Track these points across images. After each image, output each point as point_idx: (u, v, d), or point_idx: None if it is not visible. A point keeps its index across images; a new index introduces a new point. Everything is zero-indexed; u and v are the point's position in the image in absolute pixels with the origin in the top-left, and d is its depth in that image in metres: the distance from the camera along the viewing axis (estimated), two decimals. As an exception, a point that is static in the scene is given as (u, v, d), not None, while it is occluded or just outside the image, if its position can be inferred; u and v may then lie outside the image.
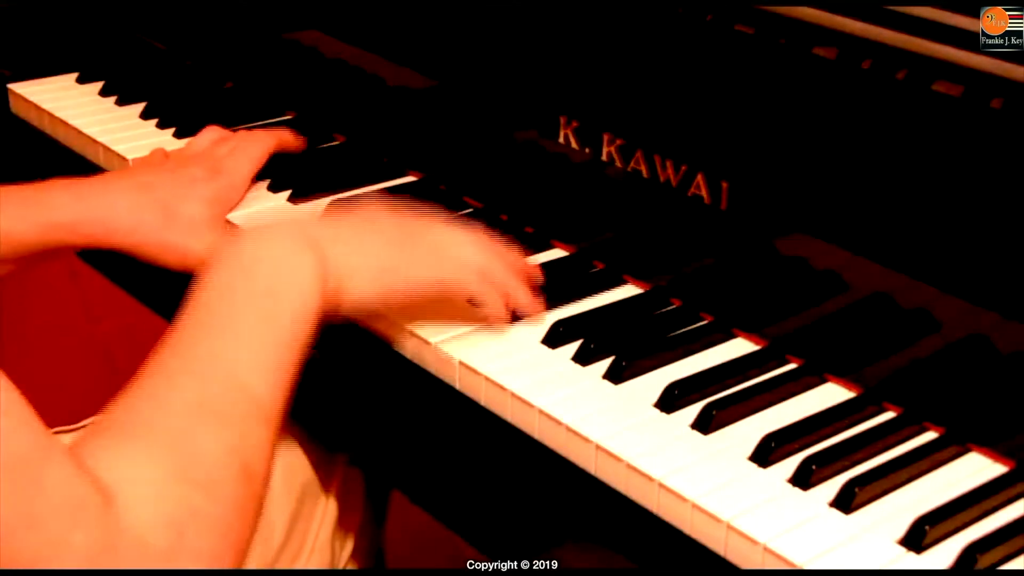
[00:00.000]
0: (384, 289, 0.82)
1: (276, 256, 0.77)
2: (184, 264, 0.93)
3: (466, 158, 1.05)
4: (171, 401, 0.68)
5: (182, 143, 1.13)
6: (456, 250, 0.85)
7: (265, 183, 1.06)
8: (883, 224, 0.79)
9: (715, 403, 0.78)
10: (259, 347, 0.73)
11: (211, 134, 1.06)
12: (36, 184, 0.94)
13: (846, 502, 0.71)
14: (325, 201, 1.03)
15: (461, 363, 0.83)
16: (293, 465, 0.97)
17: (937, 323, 0.77)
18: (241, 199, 1.01)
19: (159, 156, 1.06)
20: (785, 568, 0.68)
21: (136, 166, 1.06)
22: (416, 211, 0.87)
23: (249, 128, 1.16)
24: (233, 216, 0.99)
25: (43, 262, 0.97)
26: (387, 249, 0.83)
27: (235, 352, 0.72)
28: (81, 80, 1.26)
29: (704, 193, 0.87)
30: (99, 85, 1.24)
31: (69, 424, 0.97)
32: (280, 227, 0.82)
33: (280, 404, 0.73)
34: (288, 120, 1.19)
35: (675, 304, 0.91)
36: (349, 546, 1.01)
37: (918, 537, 0.69)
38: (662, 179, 0.89)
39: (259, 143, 1.04)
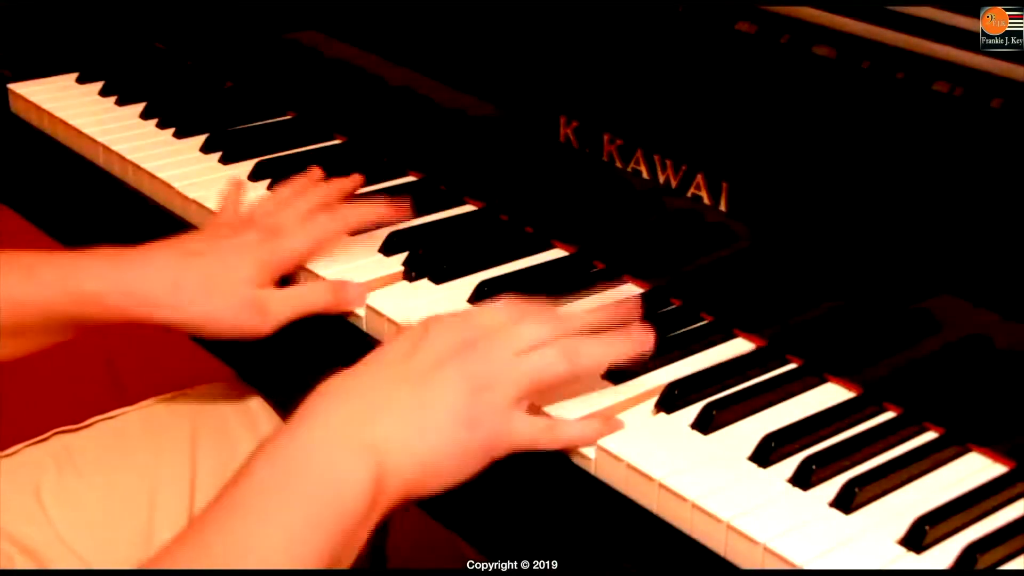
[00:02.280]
0: (454, 482, 0.73)
1: (319, 463, 0.69)
2: (236, 330, 0.87)
3: (466, 158, 1.05)
4: None
5: (182, 143, 1.13)
6: (519, 420, 0.75)
7: (265, 182, 1.06)
8: (883, 224, 0.79)
9: (715, 403, 0.78)
10: (274, 563, 0.66)
11: (275, 198, 0.96)
12: (75, 251, 0.88)
13: (846, 502, 0.71)
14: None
15: None
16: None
17: (937, 323, 0.77)
18: (296, 268, 0.92)
19: (226, 215, 0.96)
20: (785, 568, 0.68)
21: (192, 232, 0.97)
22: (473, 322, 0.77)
23: (253, 126, 1.17)
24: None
25: (75, 335, 0.89)
26: (456, 434, 0.72)
27: (245, 561, 0.65)
28: (81, 80, 1.26)
29: (704, 193, 0.87)
30: (99, 85, 1.24)
31: (73, 424, 0.97)
32: (332, 421, 0.71)
33: None
34: (288, 120, 1.19)
35: (675, 304, 0.91)
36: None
37: (918, 537, 0.69)
38: (662, 179, 0.89)
39: (333, 225, 0.93)
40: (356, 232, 0.95)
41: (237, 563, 0.64)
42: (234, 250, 0.89)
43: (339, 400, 0.72)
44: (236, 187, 0.98)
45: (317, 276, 0.92)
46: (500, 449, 0.74)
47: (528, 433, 0.75)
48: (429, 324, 0.77)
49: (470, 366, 0.74)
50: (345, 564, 0.68)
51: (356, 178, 1.01)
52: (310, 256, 0.92)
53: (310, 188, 0.97)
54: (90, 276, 0.85)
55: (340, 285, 0.90)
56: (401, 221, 0.97)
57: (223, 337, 0.87)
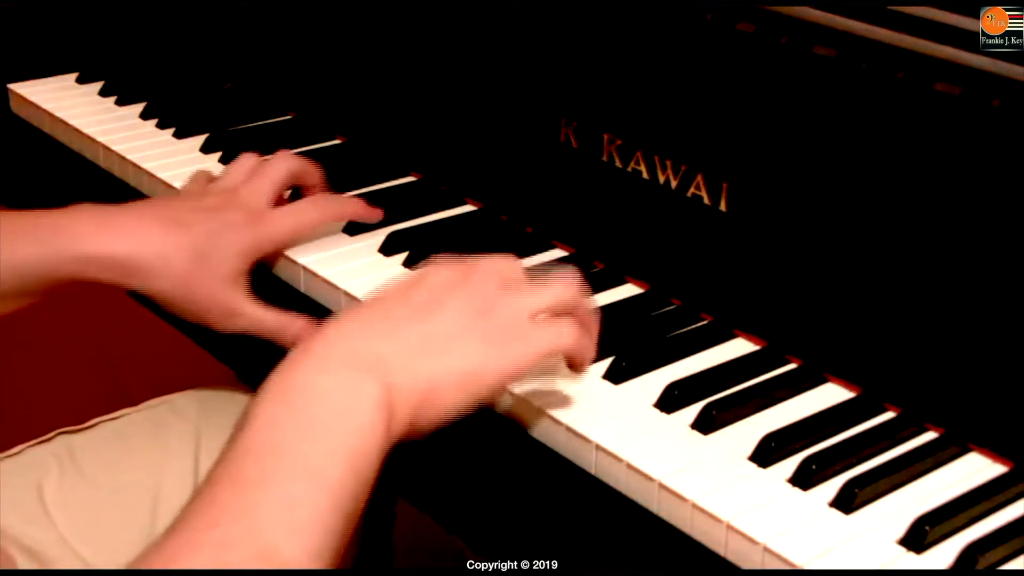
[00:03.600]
0: (471, 397, 0.71)
1: (327, 387, 0.67)
2: (202, 320, 0.87)
3: (467, 158, 1.05)
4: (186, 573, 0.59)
5: (182, 143, 1.13)
6: (534, 327, 0.74)
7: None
8: (883, 223, 0.79)
9: (715, 403, 0.78)
10: (297, 501, 0.62)
11: (246, 163, 0.96)
12: (61, 210, 0.87)
13: (846, 502, 0.71)
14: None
15: None
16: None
17: (937, 323, 0.77)
18: (279, 255, 0.93)
19: (200, 184, 0.96)
20: (785, 568, 0.68)
21: (176, 197, 0.98)
22: (483, 265, 0.75)
23: (253, 126, 1.17)
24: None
25: (61, 294, 0.88)
26: (465, 346, 0.71)
27: (266, 508, 0.61)
28: (81, 80, 1.26)
29: (704, 193, 0.87)
30: (99, 85, 1.24)
31: (75, 424, 0.97)
32: (334, 348, 0.69)
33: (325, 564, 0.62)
34: (288, 120, 1.19)
35: (675, 304, 0.91)
36: (352, 550, 1.01)
37: (918, 537, 0.69)
38: (662, 179, 0.89)
39: (315, 211, 0.95)
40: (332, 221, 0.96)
41: (288, 515, 0.61)
42: (220, 231, 0.88)
43: (334, 330, 0.70)
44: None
45: (294, 263, 0.93)
46: (516, 359, 0.72)
47: (548, 335, 0.73)
48: (431, 264, 0.76)
49: (477, 289, 0.73)
50: (362, 498, 0.65)
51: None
52: (291, 243, 0.93)
53: (283, 164, 0.96)
54: (78, 237, 0.85)
55: (305, 328, 0.87)
56: (372, 221, 0.98)
57: (187, 319, 0.88)
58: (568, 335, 0.74)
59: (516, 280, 0.75)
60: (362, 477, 0.65)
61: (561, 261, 0.96)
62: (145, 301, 0.99)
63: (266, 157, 0.99)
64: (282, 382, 0.67)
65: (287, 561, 0.60)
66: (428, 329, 0.71)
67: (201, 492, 0.63)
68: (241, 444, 0.64)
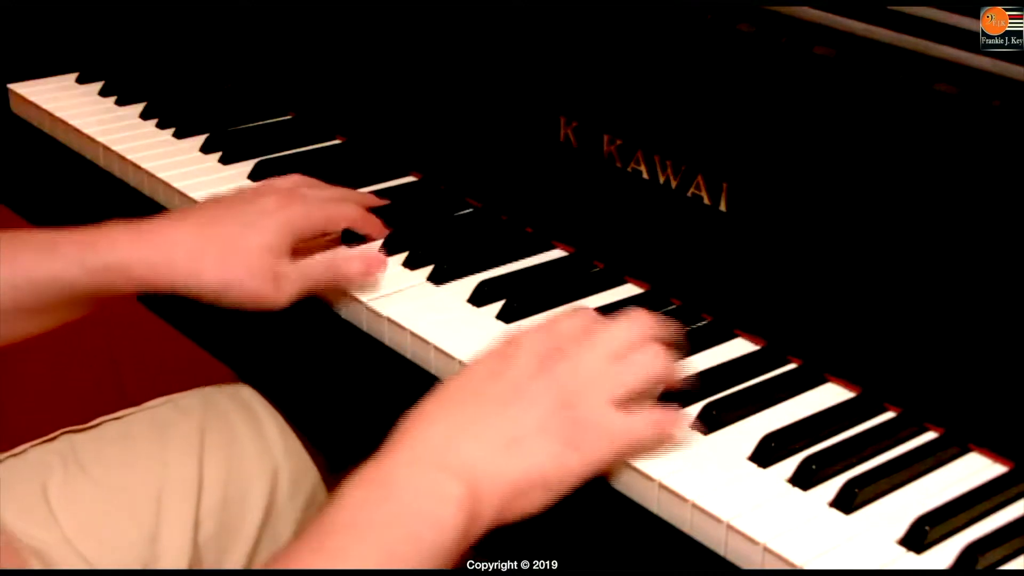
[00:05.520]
0: (554, 495, 0.71)
1: (413, 480, 0.68)
2: (254, 300, 0.87)
3: (466, 158, 1.05)
4: None
5: (182, 143, 1.13)
6: (617, 418, 0.72)
7: (265, 183, 1.06)
8: (883, 223, 0.79)
9: (715, 403, 0.78)
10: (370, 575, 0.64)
11: (297, 177, 0.98)
12: (94, 225, 0.88)
13: (846, 502, 0.71)
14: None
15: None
16: (299, 474, 0.97)
17: (937, 323, 0.77)
18: (317, 233, 0.92)
19: (238, 189, 0.97)
20: (785, 568, 0.68)
21: (207, 200, 0.98)
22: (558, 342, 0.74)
23: (253, 126, 1.17)
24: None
25: (91, 310, 0.90)
26: (549, 445, 0.70)
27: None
28: (81, 80, 1.26)
29: (704, 193, 0.87)
30: (99, 85, 1.24)
31: (79, 424, 0.97)
32: (421, 447, 0.70)
33: None
34: (288, 120, 1.19)
35: (675, 304, 0.91)
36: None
37: (918, 537, 0.69)
38: (662, 179, 0.89)
39: (350, 210, 0.95)
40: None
41: None
42: (252, 216, 0.89)
43: (424, 425, 0.71)
44: None
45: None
46: (600, 455, 0.72)
47: (632, 427, 0.72)
48: (513, 340, 0.75)
49: (559, 379, 0.72)
50: None
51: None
52: (325, 227, 0.93)
53: (315, 182, 0.98)
54: (112, 248, 0.86)
55: (347, 259, 0.90)
56: (378, 238, 0.97)
57: (240, 306, 0.88)
58: (647, 425, 0.73)
59: (595, 339, 0.74)
60: (434, 567, 0.66)
61: (561, 260, 0.96)
62: (149, 302, 0.99)
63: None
64: (371, 472, 0.69)
65: None
66: (511, 427, 0.71)
67: (277, 559, 0.65)
68: (326, 519, 0.66)
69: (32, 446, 0.94)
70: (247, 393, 1.00)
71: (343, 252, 0.93)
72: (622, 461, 0.74)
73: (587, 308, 0.77)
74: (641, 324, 0.76)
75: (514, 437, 0.70)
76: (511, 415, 0.71)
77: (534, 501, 0.70)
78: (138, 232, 0.88)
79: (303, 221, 0.91)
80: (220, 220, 0.89)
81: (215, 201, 0.95)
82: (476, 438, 0.70)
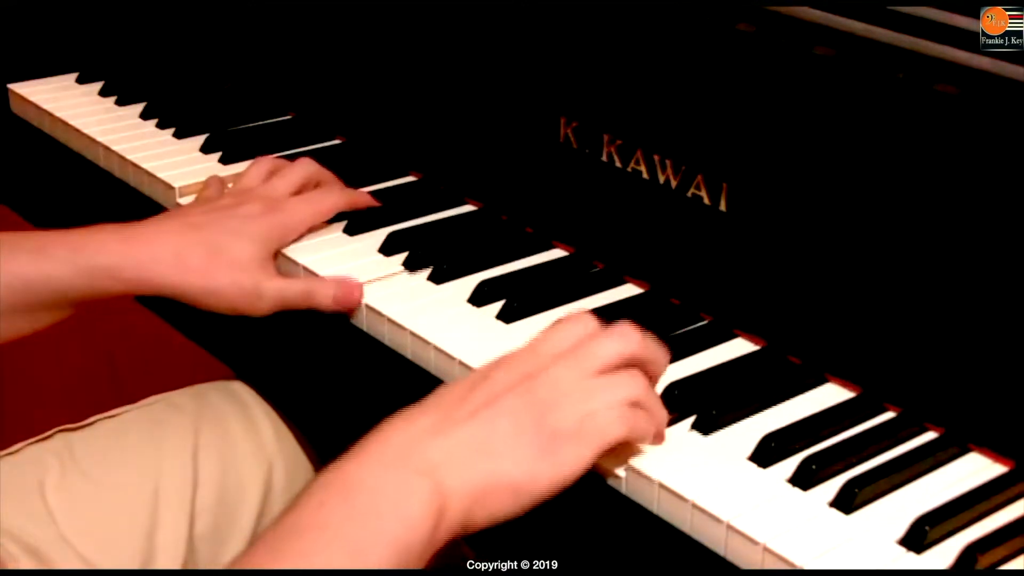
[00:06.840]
0: (524, 502, 0.70)
1: (379, 479, 0.67)
2: (232, 308, 0.89)
3: (466, 158, 1.05)
4: None
5: (182, 143, 1.13)
6: (597, 420, 0.72)
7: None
8: (883, 223, 0.79)
9: (715, 403, 0.78)
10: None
11: (264, 165, 1.00)
12: (83, 228, 0.90)
13: (846, 502, 0.71)
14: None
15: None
16: (293, 470, 0.97)
17: (937, 323, 0.77)
18: (292, 241, 0.95)
19: (215, 189, 1.01)
20: (785, 568, 0.68)
21: (192, 203, 1.00)
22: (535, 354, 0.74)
23: (253, 126, 1.17)
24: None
25: (78, 311, 0.92)
26: (520, 452, 0.70)
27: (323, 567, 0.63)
28: (81, 80, 1.26)
29: (704, 193, 0.87)
30: (99, 85, 1.24)
31: (75, 422, 0.97)
32: (390, 448, 0.69)
33: None
34: (288, 120, 1.19)
35: (675, 304, 0.91)
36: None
37: (918, 537, 0.69)
38: (662, 179, 0.89)
39: (331, 198, 0.98)
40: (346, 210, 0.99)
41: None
42: (237, 223, 0.92)
43: (391, 432, 0.71)
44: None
45: (294, 262, 0.94)
46: (573, 465, 0.71)
47: (606, 430, 0.71)
48: (500, 360, 0.75)
49: (535, 392, 0.72)
50: None
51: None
52: (311, 224, 0.96)
53: (280, 162, 1.01)
54: (102, 250, 0.88)
55: (338, 285, 0.91)
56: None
57: (220, 311, 0.90)
58: (622, 423, 0.72)
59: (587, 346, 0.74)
60: (404, 566, 0.65)
61: (561, 260, 0.96)
62: (147, 302, 0.99)
63: (278, 156, 1.02)
64: (335, 472, 0.68)
65: None
66: (481, 432, 0.70)
67: (237, 561, 0.64)
68: (287, 521, 0.65)
69: (28, 444, 0.95)
70: (241, 389, 1.00)
71: (319, 280, 0.92)
72: (622, 461, 0.74)
73: (585, 313, 0.77)
74: (627, 342, 0.75)
75: (483, 442, 0.70)
76: (481, 422, 0.70)
77: (503, 506, 0.69)
78: (126, 235, 0.90)
79: (289, 232, 0.94)
80: (206, 225, 0.91)
81: (200, 203, 0.97)
82: (443, 441, 0.69)
